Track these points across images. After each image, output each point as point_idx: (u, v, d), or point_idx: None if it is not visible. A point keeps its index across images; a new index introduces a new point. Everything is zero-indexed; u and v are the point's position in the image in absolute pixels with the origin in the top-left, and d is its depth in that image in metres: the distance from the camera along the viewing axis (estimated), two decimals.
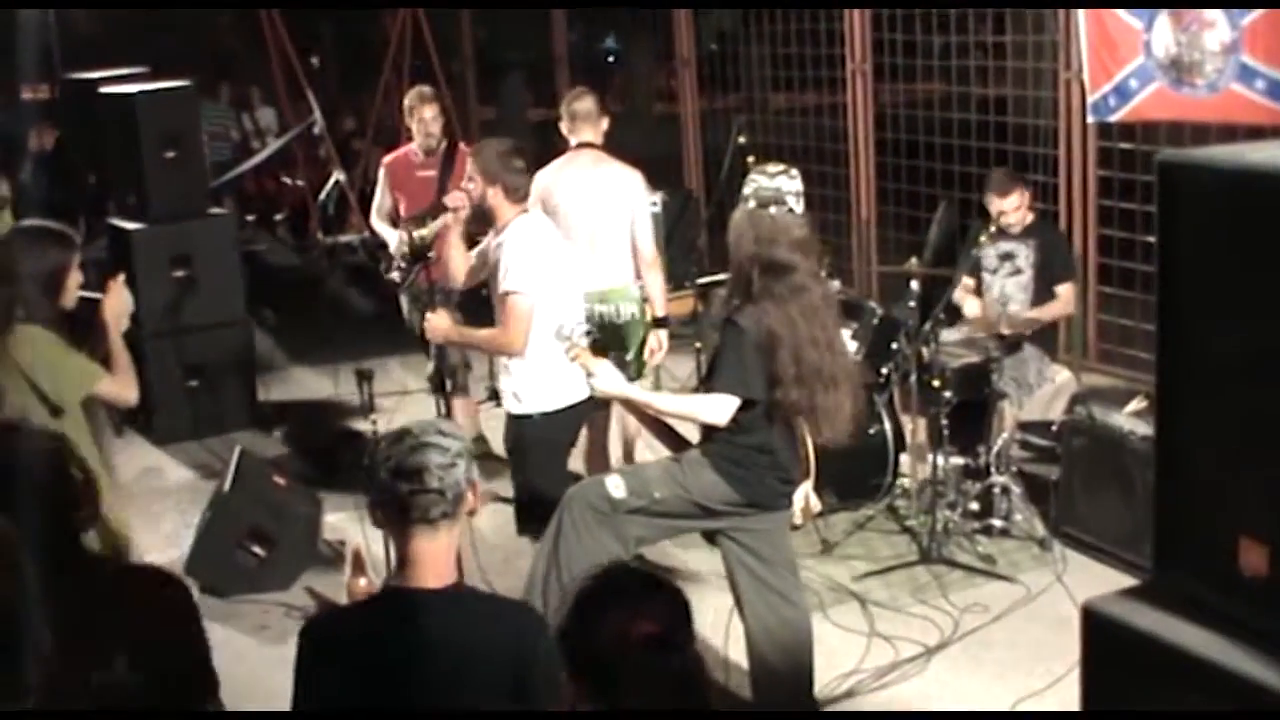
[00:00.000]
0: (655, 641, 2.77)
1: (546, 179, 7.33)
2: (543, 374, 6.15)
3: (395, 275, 8.50)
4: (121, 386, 5.56)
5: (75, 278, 5.62)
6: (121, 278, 5.76)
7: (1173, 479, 3.37)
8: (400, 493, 3.40)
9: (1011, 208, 7.76)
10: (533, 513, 6.15)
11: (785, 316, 5.25)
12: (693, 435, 5.73)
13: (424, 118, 8.55)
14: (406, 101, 8.76)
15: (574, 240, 6.91)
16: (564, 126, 7.65)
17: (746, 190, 5.56)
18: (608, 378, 5.61)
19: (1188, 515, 3.32)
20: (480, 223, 6.60)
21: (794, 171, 5.66)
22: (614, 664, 2.77)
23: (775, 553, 5.58)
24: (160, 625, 3.32)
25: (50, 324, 5.43)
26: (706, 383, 5.54)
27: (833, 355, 5.41)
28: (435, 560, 3.44)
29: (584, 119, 7.55)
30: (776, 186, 5.52)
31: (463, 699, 3.35)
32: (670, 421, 5.76)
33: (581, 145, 7.55)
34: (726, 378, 5.30)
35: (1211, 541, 3.26)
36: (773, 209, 5.46)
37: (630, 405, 5.77)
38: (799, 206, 5.56)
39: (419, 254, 7.91)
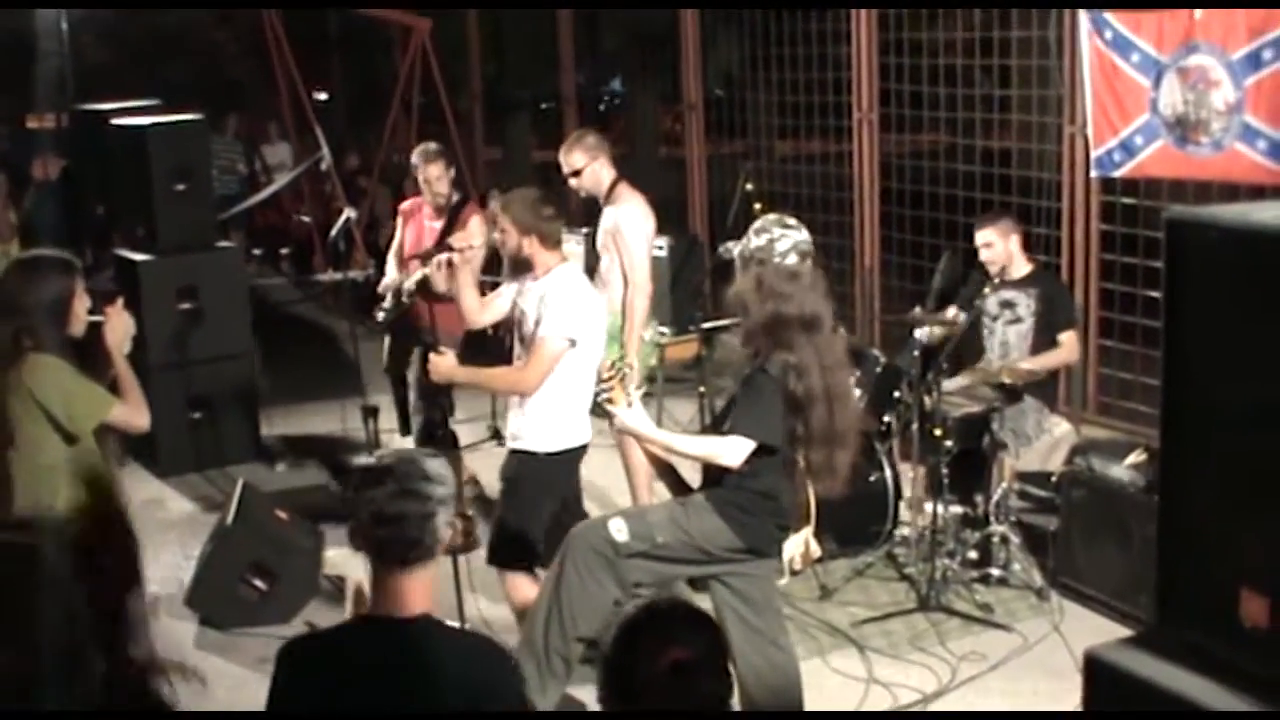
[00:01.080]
0: (685, 667, 2.86)
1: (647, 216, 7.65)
2: (552, 415, 6.19)
3: (379, 315, 8.57)
4: (133, 412, 5.55)
5: (82, 304, 5.58)
6: (120, 301, 5.76)
7: (1175, 529, 3.41)
8: (378, 536, 3.47)
9: (983, 243, 7.83)
10: (509, 545, 6.19)
11: (817, 370, 5.32)
12: (692, 479, 5.78)
13: (429, 177, 8.57)
14: (412, 159, 8.78)
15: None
16: (604, 166, 7.77)
17: (774, 243, 5.54)
18: (635, 416, 5.64)
19: (1189, 566, 3.36)
20: (491, 268, 6.65)
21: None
22: (643, 686, 2.87)
23: (764, 598, 5.62)
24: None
25: (60, 352, 5.43)
26: (719, 425, 5.58)
27: (845, 411, 5.48)
28: (408, 594, 3.48)
29: None
30: (807, 240, 5.57)
31: None
32: (675, 462, 5.80)
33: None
34: (747, 421, 5.34)
35: (1213, 592, 3.30)
36: (808, 262, 5.52)
37: (644, 444, 5.80)
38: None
39: (400, 296, 8.07)
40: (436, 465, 3.57)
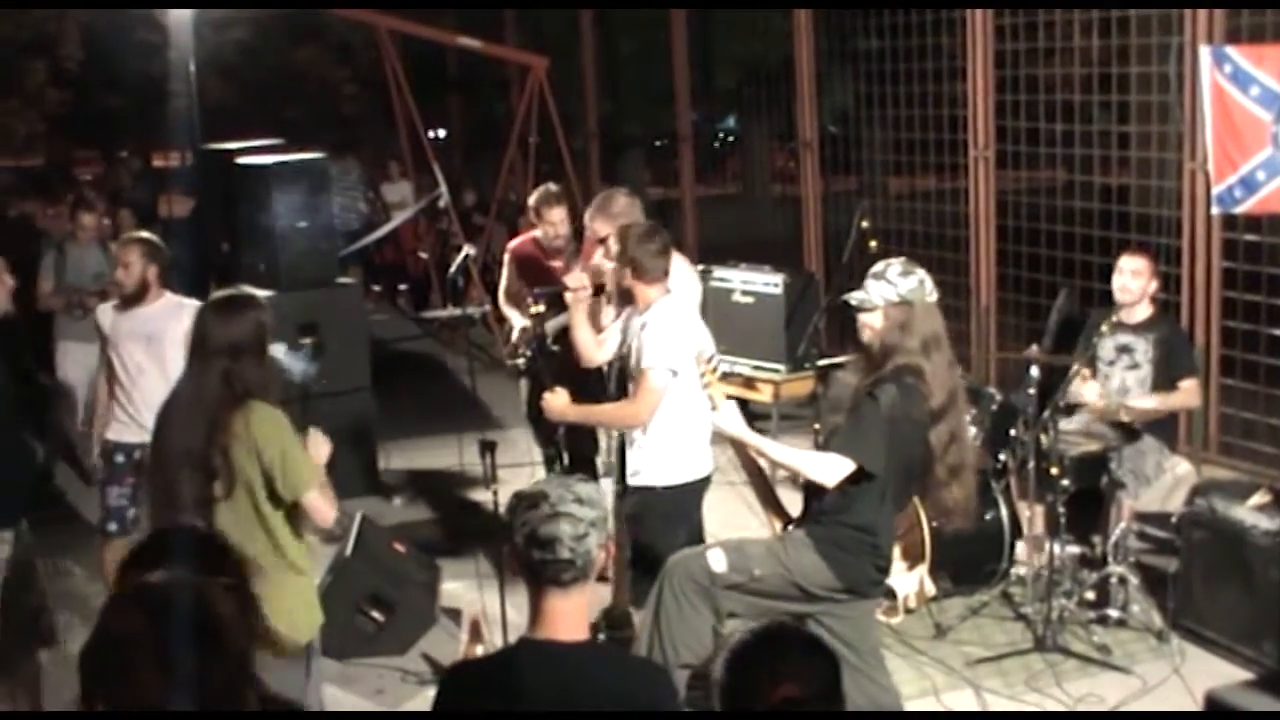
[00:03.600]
0: (793, 704, 2.86)
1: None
2: (669, 448, 6.25)
3: (519, 361, 8.52)
4: (327, 502, 5.24)
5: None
6: (316, 433, 5.50)
7: None
8: (533, 559, 3.55)
9: (1130, 269, 7.69)
10: (644, 581, 6.21)
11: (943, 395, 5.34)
12: (793, 507, 5.78)
13: (552, 220, 8.39)
14: (531, 202, 8.57)
15: None
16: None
17: (915, 281, 5.51)
18: (729, 416, 5.63)
19: None
20: (603, 299, 6.67)
21: None
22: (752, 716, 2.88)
23: (863, 639, 5.56)
24: None
25: (266, 396, 5.16)
26: (825, 447, 5.56)
27: (960, 447, 5.46)
28: (567, 617, 3.57)
29: None
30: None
31: None
32: (776, 486, 5.82)
33: None
34: (847, 442, 5.33)
35: None
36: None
37: (742, 450, 5.81)
38: None
39: (540, 341, 7.95)
40: (588, 489, 3.65)
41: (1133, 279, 7.69)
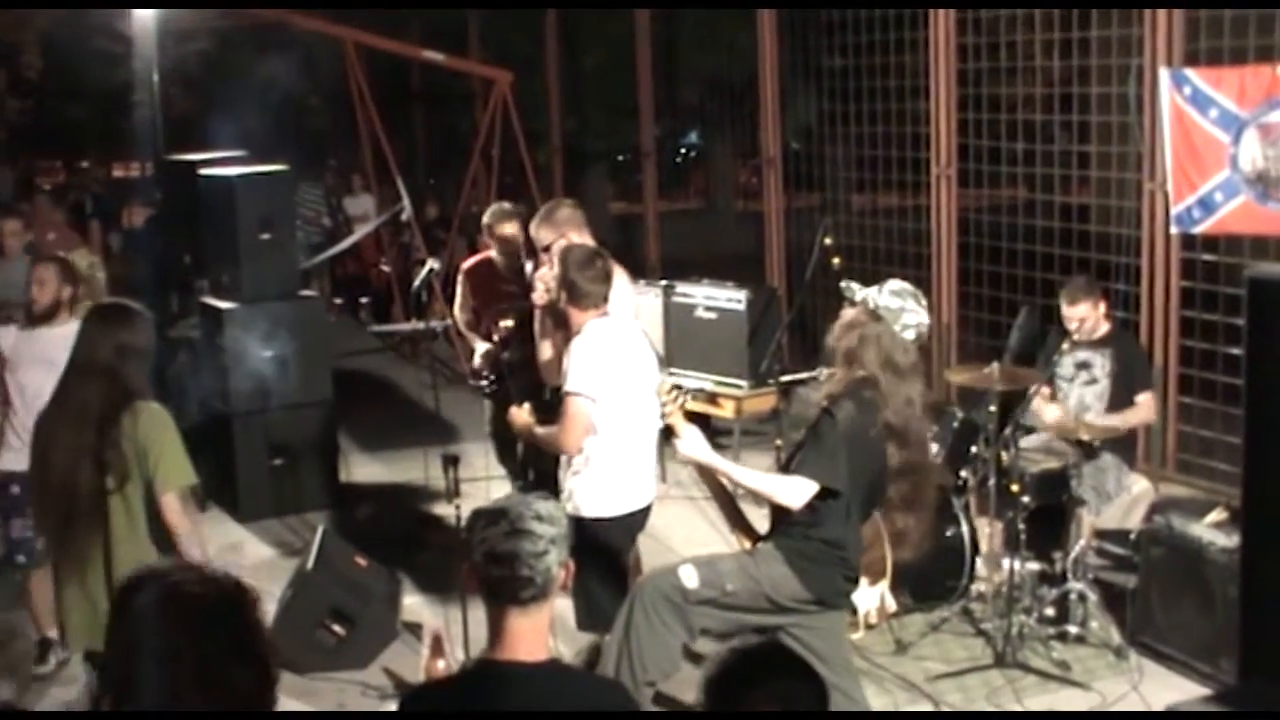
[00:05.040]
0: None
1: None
2: (602, 480, 6.19)
3: (484, 385, 8.45)
4: (186, 512, 5.61)
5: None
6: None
7: (1259, 587, 3.41)
8: (492, 576, 3.51)
9: (1078, 317, 7.76)
10: (588, 613, 6.20)
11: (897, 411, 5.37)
12: (759, 523, 5.79)
13: (505, 236, 8.37)
14: (485, 219, 8.57)
15: None
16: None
17: (904, 312, 5.54)
18: (692, 442, 5.64)
19: (1274, 623, 3.36)
20: (557, 324, 6.63)
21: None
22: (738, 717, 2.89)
23: (834, 651, 5.60)
24: None
25: (146, 394, 5.57)
26: (786, 470, 5.59)
27: (915, 484, 5.52)
28: (526, 636, 3.53)
29: None
30: (926, 321, 5.61)
31: None
32: (741, 504, 5.82)
33: None
34: (812, 464, 5.36)
35: None
36: (915, 339, 5.56)
37: (707, 474, 5.81)
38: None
39: (500, 366, 7.97)
40: (548, 506, 3.63)
41: (1078, 323, 7.77)
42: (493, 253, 8.50)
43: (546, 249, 7.04)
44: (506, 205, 8.77)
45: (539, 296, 6.89)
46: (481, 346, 8.34)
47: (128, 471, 5.40)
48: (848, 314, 5.60)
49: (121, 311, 5.72)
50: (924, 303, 5.65)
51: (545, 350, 6.72)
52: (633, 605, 5.59)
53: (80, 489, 5.41)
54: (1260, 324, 3.35)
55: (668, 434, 5.83)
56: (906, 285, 5.67)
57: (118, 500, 5.42)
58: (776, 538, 5.55)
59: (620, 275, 6.98)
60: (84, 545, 5.44)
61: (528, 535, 3.50)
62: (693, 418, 5.90)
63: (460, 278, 8.77)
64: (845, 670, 5.68)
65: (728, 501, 5.92)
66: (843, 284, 5.74)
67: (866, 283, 5.72)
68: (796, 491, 5.33)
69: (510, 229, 8.38)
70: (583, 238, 7.08)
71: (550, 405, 6.76)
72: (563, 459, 6.28)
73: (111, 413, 5.41)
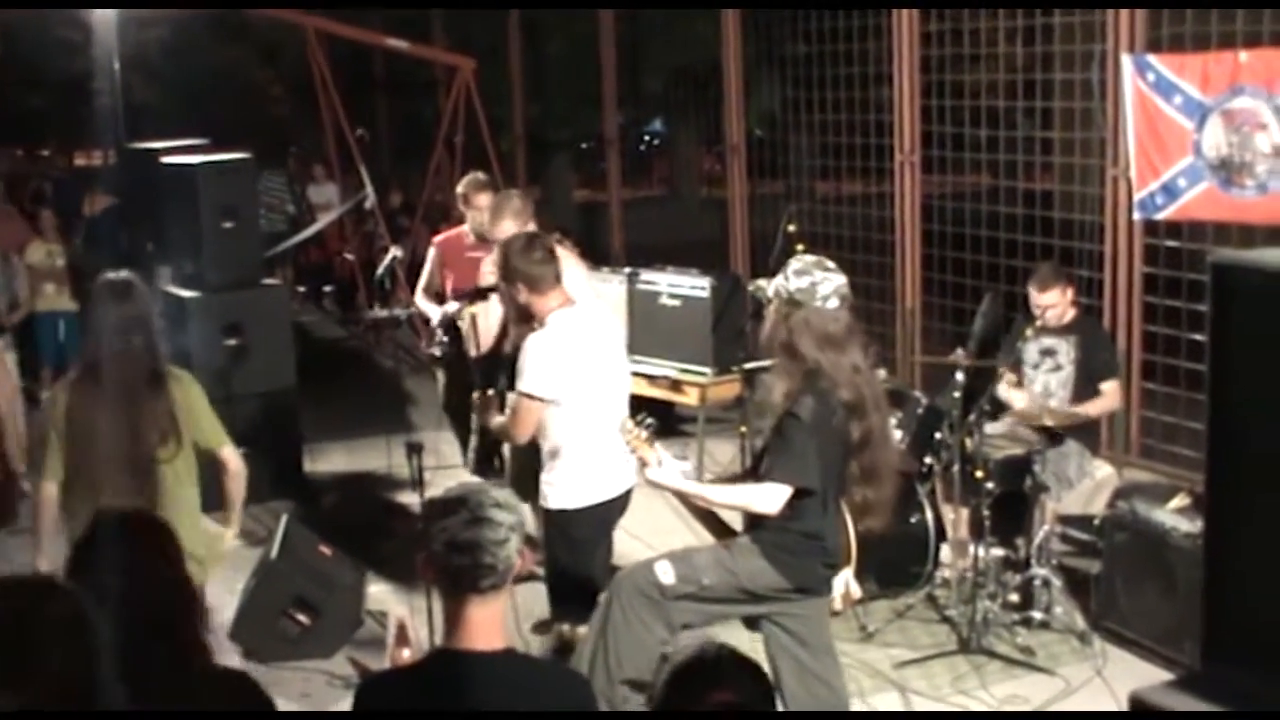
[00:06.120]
0: (731, 711, 2.89)
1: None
2: (572, 472, 6.20)
3: (435, 350, 8.60)
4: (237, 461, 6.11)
5: None
6: None
7: (1222, 573, 3.41)
8: (452, 564, 3.48)
9: (1048, 304, 7.80)
10: (560, 602, 6.20)
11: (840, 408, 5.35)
12: (736, 521, 5.78)
13: (479, 205, 8.51)
14: (460, 189, 8.77)
15: None
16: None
17: (816, 286, 5.50)
18: (666, 473, 5.56)
19: (1237, 609, 3.36)
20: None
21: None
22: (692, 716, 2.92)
23: (817, 637, 5.62)
24: None
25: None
26: (756, 468, 5.58)
27: (875, 451, 5.49)
28: (483, 625, 3.51)
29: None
30: (846, 284, 5.55)
31: None
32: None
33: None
34: (783, 467, 5.34)
35: (1260, 635, 3.30)
36: (845, 307, 5.51)
37: (682, 496, 5.79)
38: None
39: (454, 327, 8.09)
40: (505, 494, 3.61)
41: (1050, 310, 7.81)
42: (466, 226, 8.68)
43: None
44: (481, 175, 8.96)
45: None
46: (436, 314, 8.46)
47: (181, 438, 5.71)
48: (769, 313, 5.57)
49: (127, 285, 5.81)
50: (830, 265, 5.58)
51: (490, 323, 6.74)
52: (610, 603, 5.56)
53: (133, 462, 5.62)
54: (1223, 309, 3.35)
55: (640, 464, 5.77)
56: (807, 258, 5.62)
57: (168, 469, 5.71)
58: (754, 532, 5.53)
59: (569, 257, 7.01)
60: None
61: (489, 523, 3.48)
62: (657, 405, 5.89)
63: (432, 250, 8.92)
64: (828, 656, 5.68)
65: (711, 517, 5.86)
66: (750, 287, 5.72)
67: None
68: (771, 498, 5.32)
69: (485, 199, 8.52)
70: (527, 227, 7.18)
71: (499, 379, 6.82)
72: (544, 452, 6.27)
73: (155, 384, 5.65)
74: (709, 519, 5.85)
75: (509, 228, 7.23)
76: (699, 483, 6.02)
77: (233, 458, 6.04)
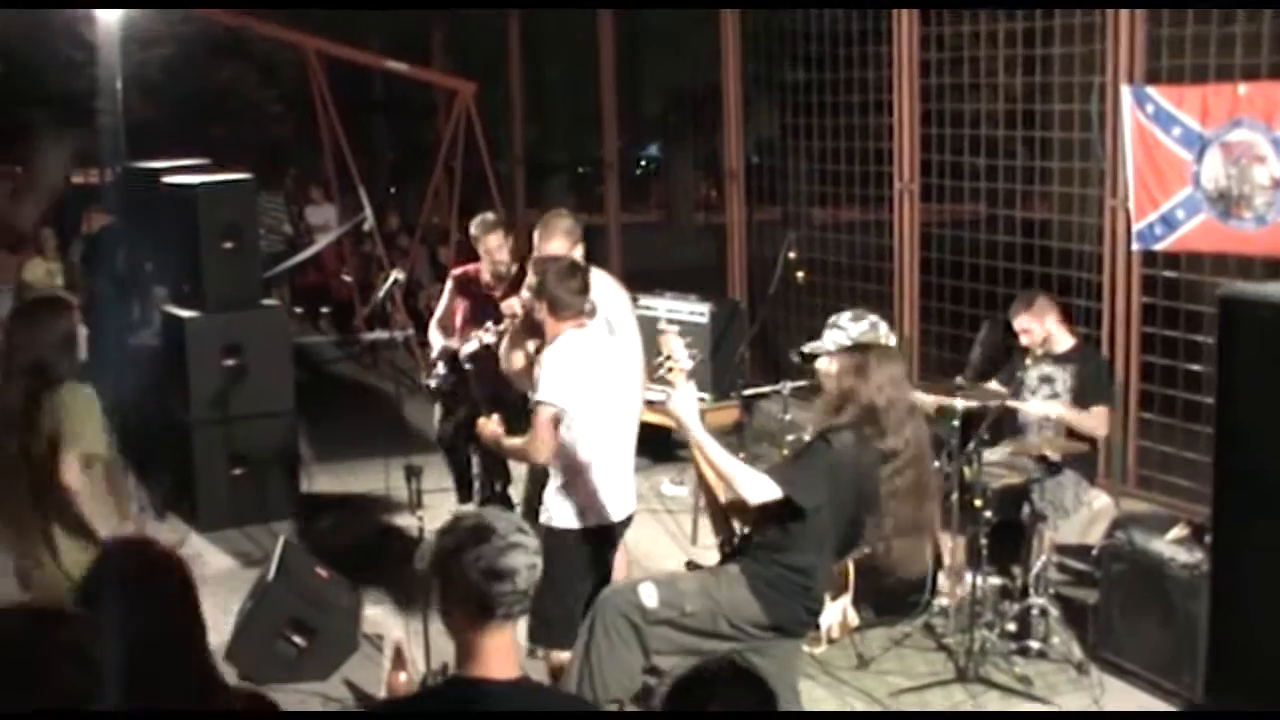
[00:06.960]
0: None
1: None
2: (572, 490, 6.16)
3: (432, 382, 8.57)
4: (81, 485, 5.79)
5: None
6: None
7: (1227, 604, 3.42)
8: (488, 592, 3.42)
9: (1021, 329, 7.88)
10: (544, 627, 6.11)
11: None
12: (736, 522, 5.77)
13: (489, 247, 8.50)
14: (472, 230, 8.66)
15: None
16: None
17: (867, 325, 5.54)
18: (684, 401, 5.47)
19: (1242, 640, 3.37)
20: (531, 332, 6.62)
21: None
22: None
23: (781, 675, 5.52)
24: None
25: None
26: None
27: (915, 505, 5.53)
28: (500, 653, 3.48)
29: None
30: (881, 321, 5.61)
31: None
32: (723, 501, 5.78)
33: None
34: (784, 472, 5.35)
35: (1263, 666, 3.30)
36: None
37: (695, 448, 5.65)
38: None
39: (455, 360, 8.04)
40: (518, 518, 3.60)
41: (1024, 335, 7.88)
42: (481, 265, 8.63)
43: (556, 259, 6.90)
44: (490, 216, 8.87)
45: (508, 320, 6.93)
46: (439, 344, 8.46)
47: (53, 446, 5.68)
48: (831, 367, 5.58)
49: (43, 306, 6.04)
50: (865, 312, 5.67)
51: (517, 359, 6.70)
52: (593, 624, 5.54)
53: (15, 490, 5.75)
54: (1231, 342, 3.37)
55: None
56: (852, 311, 5.67)
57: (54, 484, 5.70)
58: (744, 560, 5.52)
59: (611, 283, 7.05)
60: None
61: (521, 549, 3.46)
62: (655, 430, 5.87)
63: (450, 281, 8.90)
64: (790, 692, 5.63)
65: (715, 504, 5.85)
66: (792, 355, 5.72)
67: (829, 298, 5.72)
68: (758, 489, 5.27)
69: (494, 240, 8.51)
70: (576, 248, 7.17)
71: (517, 414, 6.75)
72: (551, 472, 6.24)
73: (31, 405, 5.72)
74: (717, 513, 5.84)
75: (559, 246, 7.12)
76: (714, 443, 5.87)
77: (69, 467, 5.75)
